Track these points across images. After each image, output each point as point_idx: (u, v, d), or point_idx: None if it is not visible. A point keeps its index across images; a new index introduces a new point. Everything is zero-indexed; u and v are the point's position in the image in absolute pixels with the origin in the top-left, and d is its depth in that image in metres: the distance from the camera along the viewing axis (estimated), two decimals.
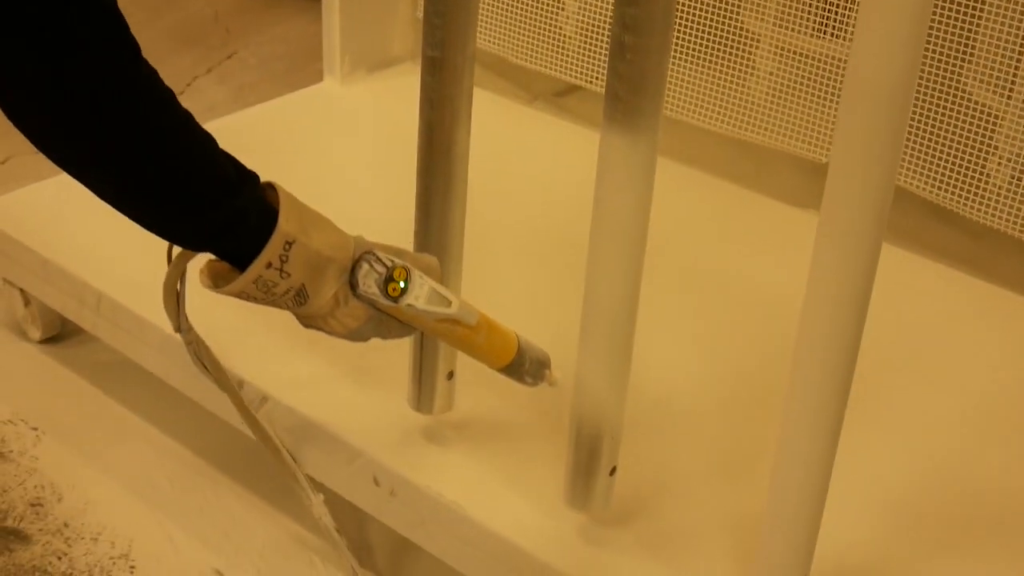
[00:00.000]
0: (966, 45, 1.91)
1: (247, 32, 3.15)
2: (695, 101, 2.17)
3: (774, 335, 1.58)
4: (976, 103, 1.94)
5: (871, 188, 1.01)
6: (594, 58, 2.27)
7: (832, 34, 2.04)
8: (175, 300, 1.24)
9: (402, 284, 1.13)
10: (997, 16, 1.87)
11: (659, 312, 1.67)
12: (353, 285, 1.12)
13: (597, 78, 2.27)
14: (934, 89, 1.95)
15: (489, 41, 2.37)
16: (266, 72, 2.93)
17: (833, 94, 2.05)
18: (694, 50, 2.14)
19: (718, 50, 2.14)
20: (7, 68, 0.94)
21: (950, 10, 1.89)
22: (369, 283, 1.12)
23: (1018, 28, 1.86)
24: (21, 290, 1.98)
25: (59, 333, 2.03)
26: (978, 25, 1.90)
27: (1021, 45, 1.87)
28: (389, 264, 1.13)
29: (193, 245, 1.11)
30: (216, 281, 1.11)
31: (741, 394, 1.63)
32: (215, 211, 1.06)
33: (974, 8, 1.89)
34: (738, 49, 2.14)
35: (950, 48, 1.92)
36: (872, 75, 0.96)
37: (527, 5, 2.33)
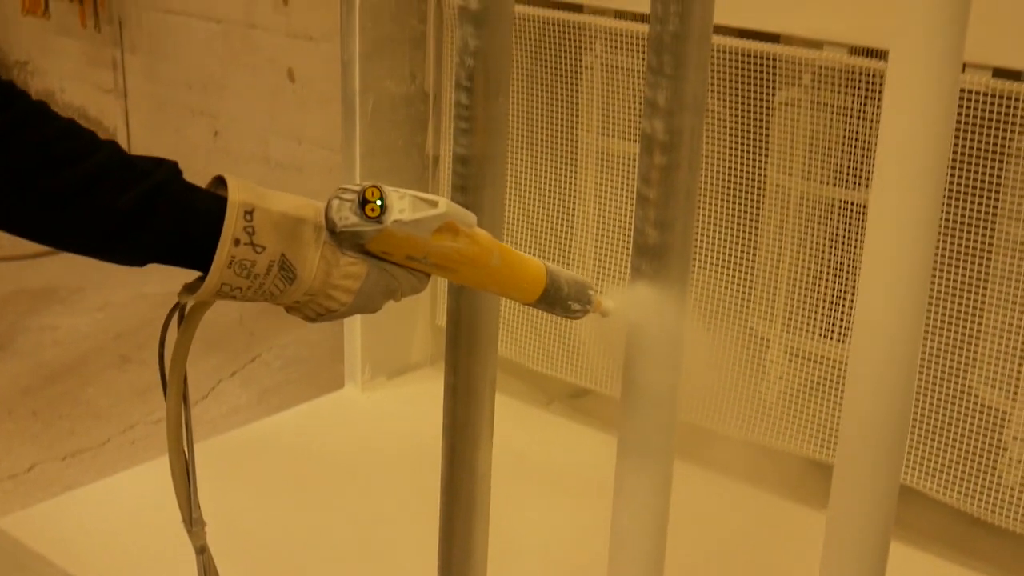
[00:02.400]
0: (970, 346, 1.97)
1: (270, 334, 3.24)
2: (709, 405, 2.22)
3: None
4: (983, 403, 1.98)
5: (877, 490, 1.03)
6: (608, 363, 2.33)
7: (838, 338, 2.10)
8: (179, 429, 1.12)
9: (379, 202, 1.01)
10: (999, 317, 1.93)
11: None
12: (332, 228, 1.02)
13: (611, 382, 2.32)
14: (941, 390, 1.99)
15: (506, 347, 2.44)
16: (290, 375, 3.00)
17: (842, 396, 2.09)
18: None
19: (729, 354, 2.20)
20: None
21: (953, 311, 1.96)
22: (344, 214, 1.01)
23: (1020, 328, 1.92)
24: None
25: None
26: (981, 326, 1.96)
27: None
28: (358, 188, 1.02)
29: (128, 246, 1.01)
30: (194, 291, 1.03)
31: None
32: (126, 193, 0.98)
33: (977, 310, 1.95)
34: (749, 352, 2.20)
35: (955, 349, 1.98)
36: (871, 379, 1.01)
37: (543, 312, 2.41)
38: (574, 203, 2.35)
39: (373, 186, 1.01)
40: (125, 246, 1.01)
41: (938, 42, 1.04)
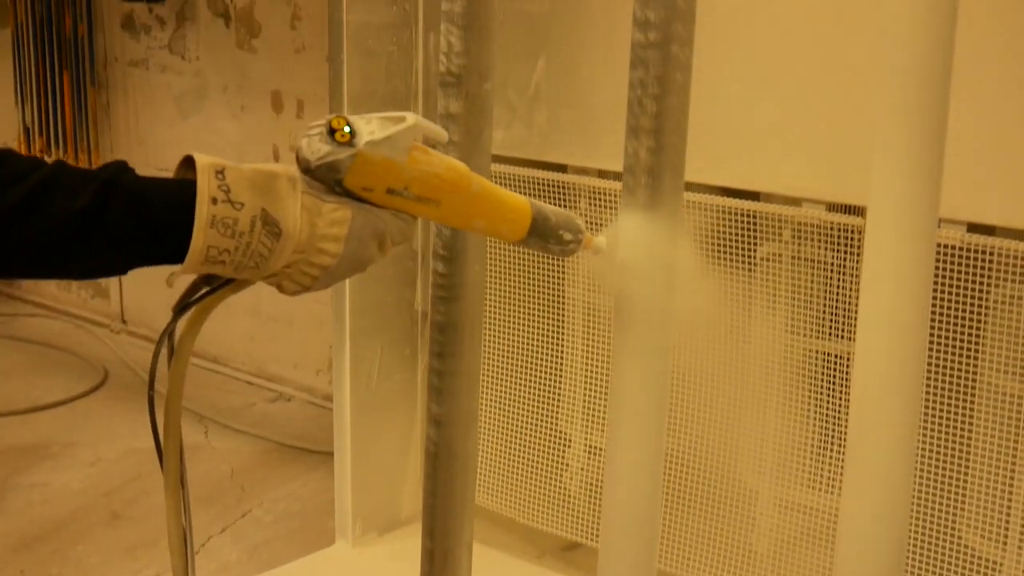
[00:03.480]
0: (959, 494, 1.97)
1: (262, 488, 3.23)
2: (698, 556, 2.21)
3: None
4: (973, 552, 1.98)
5: None
6: (598, 516, 2.32)
7: (828, 489, 2.11)
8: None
9: (347, 128, 1.00)
10: (986, 465, 1.94)
11: None
12: (307, 167, 1.01)
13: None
14: (931, 539, 1.99)
15: (497, 501, 2.44)
16: (280, 530, 2.98)
17: (832, 546, 2.09)
18: (694, 505, 2.20)
19: (719, 505, 2.20)
20: None
21: (941, 460, 1.97)
22: (316, 146, 1.00)
23: (1007, 476, 1.92)
24: None
25: None
26: (968, 475, 1.96)
27: (1011, 491, 1.93)
28: (323, 121, 1.01)
29: (97, 246, 0.98)
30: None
31: None
32: (79, 195, 0.97)
33: (963, 458, 1.96)
34: (739, 504, 2.20)
35: (943, 497, 1.98)
36: (863, 532, 1.02)
37: (532, 465, 2.42)
38: (562, 360, 2.37)
39: (337, 116, 1.00)
40: (94, 248, 0.98)
41: (914, 200, 1.08)
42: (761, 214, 2.06)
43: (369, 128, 1.01)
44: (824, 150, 1.94)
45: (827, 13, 1.92)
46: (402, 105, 2.44)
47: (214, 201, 0.97)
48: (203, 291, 1.08)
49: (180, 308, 1.08)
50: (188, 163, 1.03)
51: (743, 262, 2.11)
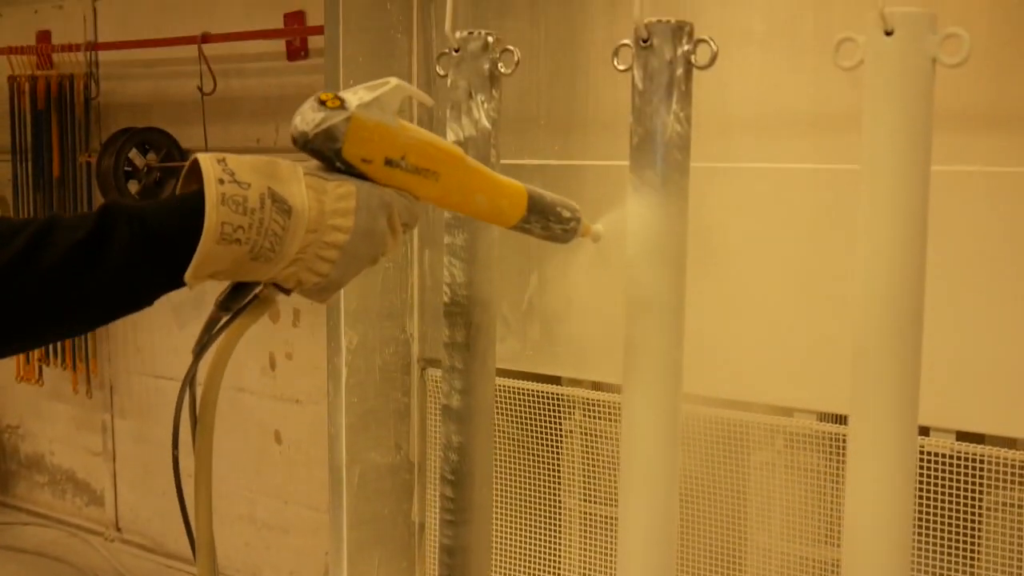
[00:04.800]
0: None
1: None
2: None
3: None
4: None
5: None
6: None
7: None
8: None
9: (334, 95, 1.02)
10: None
11: None
12: (304, 139, 1.02)
13: None
14: None
15: None
16: None
17: None
18: None
19: None
20: None
21: None
22: (310, 116, 1.01)
23: None
24: None
25: None
26: None
27: None
28: (311, 98, 1.03)
29: (109, 268, 0.98)
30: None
31: None
32: (79, 229, 0.97)
33: None
34: None
35: None
36: None
37: None
38: (559, 569, 2.37)
39: (325, 92, 1.02)
40: (105, 274, 0.98)
41: (893, 412, 1.11)
42: (754, 424, 2.09)
43: (358, 96, 1.03)
44: (813, 363, 1.99)
45: (808, 248, 2.00)
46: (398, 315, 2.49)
47: (220, 182, 0.99)
48: (221, 322, 1.07)
49: (200, 348, 1.06)
50: (186, 181, 1.05)
51: (737, 470, 2.13)
